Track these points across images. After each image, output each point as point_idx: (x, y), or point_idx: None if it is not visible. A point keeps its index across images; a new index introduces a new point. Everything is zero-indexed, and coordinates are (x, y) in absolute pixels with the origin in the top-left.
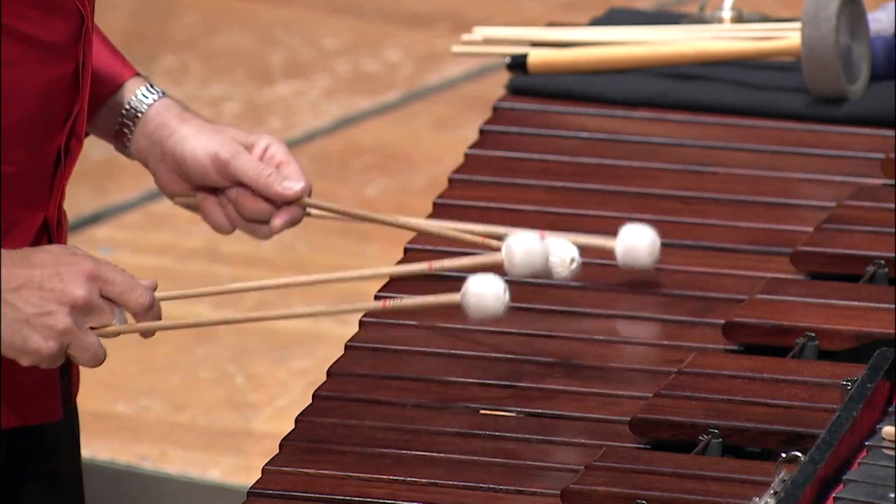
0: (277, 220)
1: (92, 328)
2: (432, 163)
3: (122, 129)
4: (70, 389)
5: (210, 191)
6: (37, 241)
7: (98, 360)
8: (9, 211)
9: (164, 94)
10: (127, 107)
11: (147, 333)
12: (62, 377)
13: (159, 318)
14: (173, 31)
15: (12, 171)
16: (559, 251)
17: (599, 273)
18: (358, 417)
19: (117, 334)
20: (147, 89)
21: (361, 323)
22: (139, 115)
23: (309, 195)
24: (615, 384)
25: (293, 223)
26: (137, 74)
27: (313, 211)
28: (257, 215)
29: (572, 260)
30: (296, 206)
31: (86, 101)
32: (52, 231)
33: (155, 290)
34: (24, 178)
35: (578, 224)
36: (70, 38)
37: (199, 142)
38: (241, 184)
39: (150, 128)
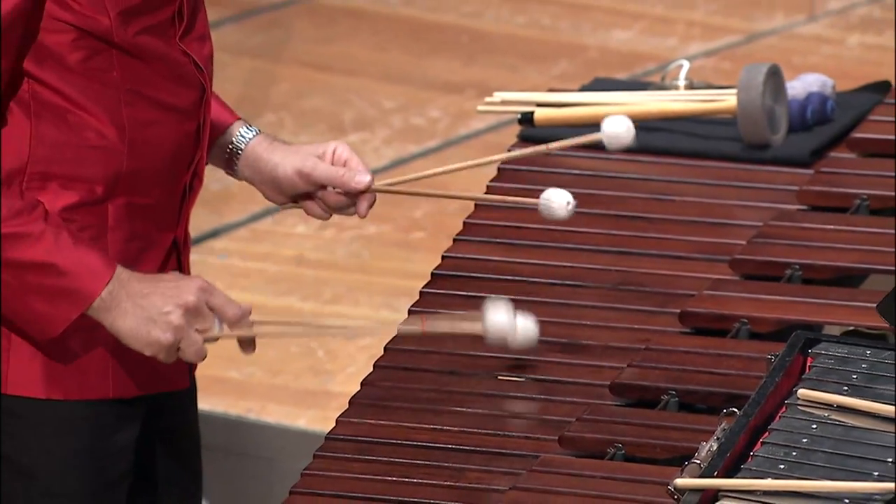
0: (361, 208)
1: (198, 331)
2: (464, 192)
3: (230, 160)
4: (193, 365)
5: (304, 195)
6: (168, 257)
7: (200, 356)
8: (148, 232)
9: (258, 131)
10: (232, 143)
11: (247, 349)
12: None
13: (251, 331)
14: (272, 96)
15: (151, 202)
16: (558, 197)
17: (590, 275)
18: (406, 382)
19: (216, 339)
20: (246, 129)
21: (410, 311)
22: (240, 150)
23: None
24: (598, 357)
25: (371, 205)
26: (238, 119)
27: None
28: (341, 205)
29: (568, 203)
30: (369, 193)
31: (205, 150)
32: (179, 248)
33: (249, 312)
34: (160, 208)
35: (569, 235)
36: (194, 104)
37: (286, 164)
38: (323, 186)
39: (249, 160)
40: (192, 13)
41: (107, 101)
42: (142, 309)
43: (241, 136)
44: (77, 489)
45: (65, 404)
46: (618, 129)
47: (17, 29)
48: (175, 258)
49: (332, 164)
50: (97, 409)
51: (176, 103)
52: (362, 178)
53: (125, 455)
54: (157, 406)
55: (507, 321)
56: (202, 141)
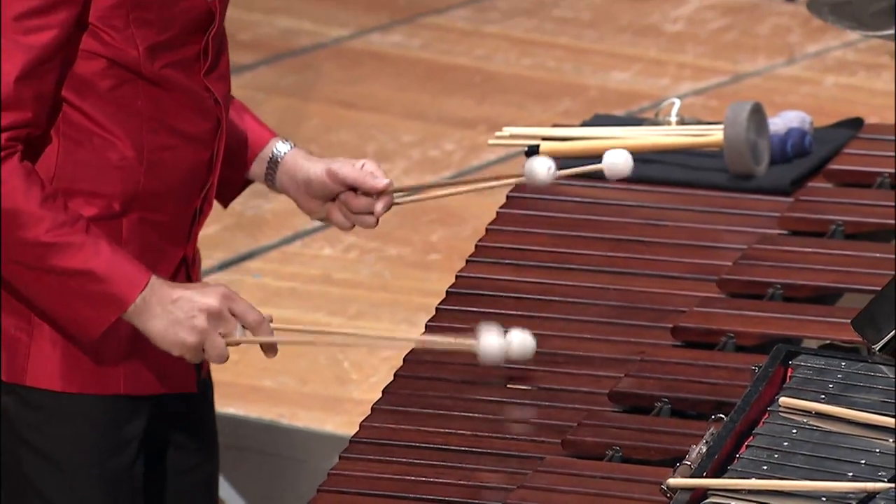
0: (378, 206)
1: (221, 334)
2: (476, 218)
3: (269, 172)
4: (201, 372)
5: (331, 200)
6: (177, 271)
7: (223, 357)
8: (159, 246)
9: (294, 144)
10: (271, 156)
11: (268, 353)
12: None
13: (271, 336)
14: (303, 131)
15: (164, 219)
16: (542, 164)
17: (590, 293)
18: (423, 390)
19: (238, 343)
20: (282, 143)
21: (427, 326)
22: (279, 160)
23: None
24: (597, 368)
25: (387, 208)
26: (276, 135)
27: (399, 200)
28: (362, 208)
29: (549, 168)
30: (386, 196)
31: (216, 176)
32: (188, 264)
33: (269, 319)
34: (172, 225)
35: (571, 257)
36: (210, 135)
37: (318, 167)
38: (349, 187)
39: (286, 167)
40: (217, 54)
41: (130, 126)
42: (170, 313)
43: (279, 148)
44: (92, 473)
45: (80, 397)
46: (617, 161)
47: (56, 59)
48: (184, 273)
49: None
50: (109, 403)
51: (194, 132)
52: (381, 179)
53: (133, 445)
54: (164, 405)
55: (497, 346)
56: (214, 168)
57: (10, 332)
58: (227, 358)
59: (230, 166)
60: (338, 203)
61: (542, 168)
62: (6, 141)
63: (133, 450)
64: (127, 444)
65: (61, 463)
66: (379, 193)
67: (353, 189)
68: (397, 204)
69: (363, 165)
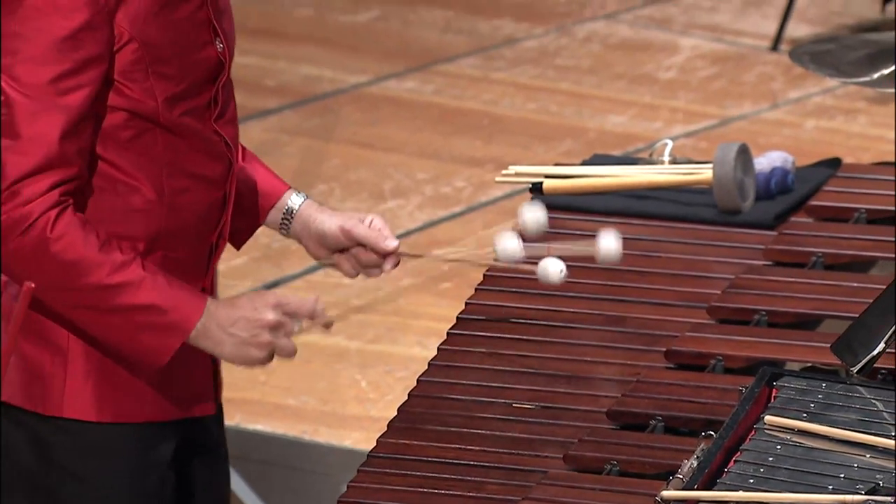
0: (387, 265)
1: (285, 335)
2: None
3: (284, 221)
4: (218, 392)
5: (341, 251)
6: None
7: (293, 354)
8: (180, 279)
9: (306, 196)
10: (286, 208)
11: (327, 328)
12: (214, 385)
13: (325, 316)
14: (324, 169)
15: (184, 255)
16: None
17: (590, 319)
18: (436, 408)
19: (300, 332)
20: (296, 195)
21: (439, 349)
22: (293, 212)
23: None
24: (596, 388)
25: (394, 266)
26: (289, 187)
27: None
28: (370, 263)
29: (561, 270)
30: (394, 255)
31: (230, 214)
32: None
33: (320, 303)
34: (191, 261)
35: (571, 285)
36: (222, 176)
37: (331, 222)
38: (360, 244)
39: (301, 219)
40: (226, 101)
41: (150, 171)
42: (234, 335)
43: (294, 201)
44: (125, 496)
45: (113, 426)
46: (609, 245)
47: (91, 114)
48: None
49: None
50: (140, 430)
51: (208, 175)
52: (392, 242)
53: (162, 469)
54: (188, 428)
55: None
56: (228, 206)
57: (46, 368)
58: (296, 351)
59: (244, 215)
60: (347, 255)
61: (554, 269)
62: (59, 196)
63: (162, 472)
64: (157, 466)
65: (97, 487)
66: (387, 254)
67: (363, 246)
68: (403, 261)
69: (371, 222)
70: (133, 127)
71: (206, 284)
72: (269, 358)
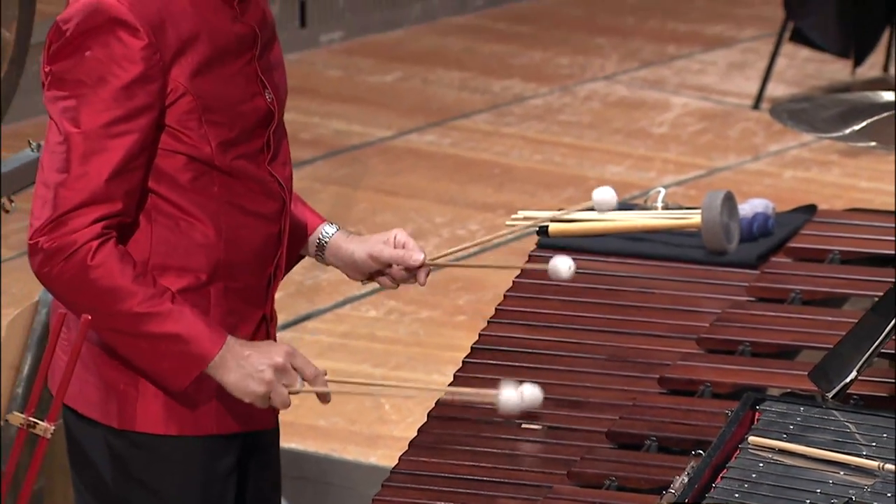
0: (421, 278)
1: (284, 385)
2: (496, 286)
3: (319, 251)
4: (276, 409)
5: (377, 272)
6: (258, 329)
7: (286, 404)
8: (241, 309)
9: (339, 227)
10: (319, 238)
11: (323, 400)
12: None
13: (325, 387)
14: (353, 213)
15: (244, 286)
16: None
17: (590, 349)
18: (452, 429)
19: (298, 392)
20: (328, 226)
21: (455, 376)
22: (326, 242)
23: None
24: (597, 411)
25: (428, 275)
26: (324, 220)
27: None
28: (404, 278)
29: (570, 266)
30: (424, 267)
31: (285, 247)
32: (267, 321)
33: (324, 374)
34: (250, 291)
35: (574, 318)
36: (277, 213)
37: (360, 250)
38: (390, 265)
39: (332, 249)
40: (278, 145)
41: (209, 210)
42: (242, 367)
43: (326, 232)
44: None
45: (180, 438)
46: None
47: (141, 157)
48: (264, 329)
49: (395, 247)
50: (205, 442)
51: (263, 212)
52: (418, 257)
53: (226, 479)
54: (249, 441)
55: (514, 398)
56: (282, 240)
57: (120, 388)
58: (290, 405)
59: (289, 247)
60: (384, 274)
61: (564, 266)
62: (101, 230)
63: (226, 482)
64: (221, 477)
65: (166, 496)
66: (417, 268)
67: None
68: (435, 269)
69: (396, 236)
70: (192, 170)
71: (266, 312)
72: (265, 398)
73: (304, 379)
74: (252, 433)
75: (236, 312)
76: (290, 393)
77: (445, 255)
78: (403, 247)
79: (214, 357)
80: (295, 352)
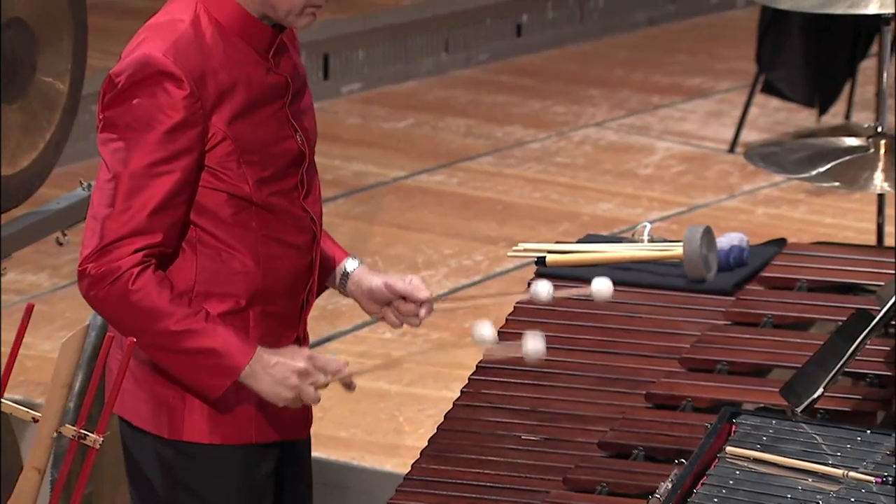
0: (422, 312)
1: (311, 384)
2: (498, 311)
3: (342, 282)
4: (309, 421)
5: (386, 305)
6: None
7: (315, 401)
8: (277, 331)
9: (361, 261)
10: (343, 271)
11: (348, 388)
12: (305, 414)
13: (349, 378)
14: (369, 246)
15: (279, 310)
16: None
17: (583, 367)
18: (459, 440)
19: (326, 385)
20: (352, 260)
21: (462, 392)
22: (349, 274)
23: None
24: (590, 424)
25: (429, 314)
26: (348, 255)
27: (436, 305)
28: (409, 312)
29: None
30: (428, 304)
31: (317, 274)
32: (300, 342)
33: (346, 364)
34: (285, 315)
35: (570, 340)
36: (308, 244)
37: (378, 281)
38: (400, 297)
39: (354, 280)
40: (310, 182)
41: (248, 242)
42: (271, 375)
43: (350, 265)
44: None
45: (223, 447)
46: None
47: (183, 195)
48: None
49: (407, 284)
50: (245, 450)
51: (296, 243)
52: (425, 293)
53: (265, 483)
54: (285, 449)
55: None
56: (314, 269)
57: (169, 402)
58: (319, 399)
59: (318, 275)
60: (391, 307)
61: (543, 290)
62: (142, 258)
63: (265, 486)
64: (261, 481)
65: (211, 500)
66: (422, 302)
67: (404, 298)
68: (435, 310)
69: (411, 280)
70: (232, 206)
71: (299, 333)
72: (296, 400)
73: (328, 374)
74: (287, 442)
75: (273, 334)
76: (316, 388)
77: (447, 298)
78: (410, 283)
79: (245, 368)
80: (315, 354)
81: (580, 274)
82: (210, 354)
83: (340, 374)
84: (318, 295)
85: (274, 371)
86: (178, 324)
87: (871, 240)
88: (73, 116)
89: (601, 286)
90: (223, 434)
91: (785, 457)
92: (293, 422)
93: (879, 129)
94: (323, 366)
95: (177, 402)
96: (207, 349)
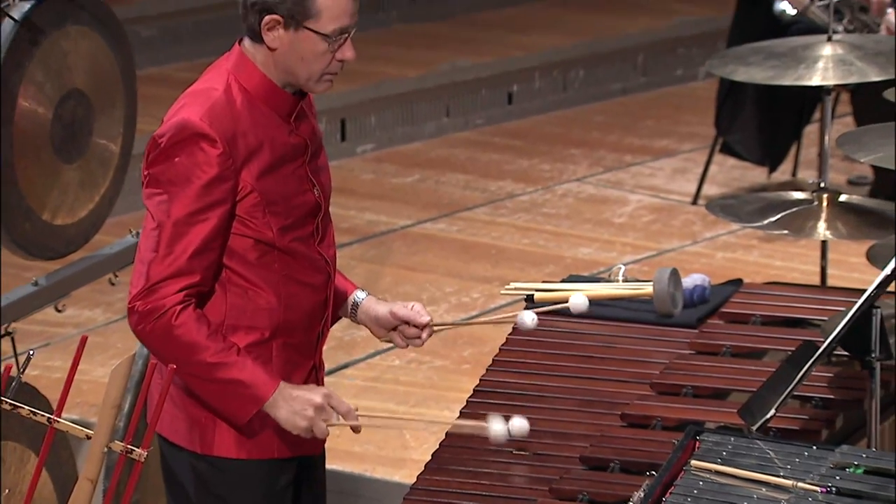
0: (423, 334)
1: (323, 420)
2: (493, 341)
3: (353, 311)
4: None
5: (392, 329)
6: (309, 375)
7: (324, 435)
8: (296, 360)
9: (368, 293)
10: (354, 301)
11: (355, 430)
12: None
13: (356, 420)
14: (380, 285)
15: (298, 342)
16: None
17: (565, 391)
18: (459, 455)
19: (335, 425)
20: (360, 292)
21: (461, 412)
22: (359, 303)
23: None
24: (571, 440)
25: (430, 335)
26: (357, 287)
27: (436, 329)
28: (413, 335)
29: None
30: (429, 328)
31: (331, 310)
32: (317, 369)
33: (356, 410)
34: (303, 345)
35: (554, 367)
36: (323, 284)
37: (384, 308)
38: (404, 322)
39: (363, 308)
40: (325, 230)
41: (271, 281)
42: (290, 406)
43: (359, 296)
44: None
45: (249, 461)
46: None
47: (218, 240)
48: (314, 375)
49: (410, 310)
50: (268, 464)
51: (313, 283)
52: (426, 317)
53: (283, 493)
54: (302, 464)
55: (501, 430)
56: (328, 305)
57: (202, 421)
58: (328, 434)
59: (332, 307)
60: (397, 331)
61: (528, 319)
62: (184, 297)
63: (284, 496)
64: (280, 492)
65: None
66: (423, 326)
67: (407, 323)
68: (436, 332)
69: (413, 307)
70: (258, 250)
71: (316, 361)
72: (308, 430)
73: (339, 414)
74: (304, 457)
75: (292, 362)
76: (327, 425)
77: (446, 324)
78: (412, 309)
79: (268, 399)
80: (332, 393)
81: (563, 310)
82: (239, 385)
83: (349, 417)
84: (333, 323)
85: (293, 403)
86: (214, 356)
87: (816, 280)
88: (123, 174)
89: (577, 300)
90: (248, 450)
91: (742, 469)
92: (309, 440)
93: (822, 185)
94: (336, 405)
95: (208, 422)
96: (237, 380)
